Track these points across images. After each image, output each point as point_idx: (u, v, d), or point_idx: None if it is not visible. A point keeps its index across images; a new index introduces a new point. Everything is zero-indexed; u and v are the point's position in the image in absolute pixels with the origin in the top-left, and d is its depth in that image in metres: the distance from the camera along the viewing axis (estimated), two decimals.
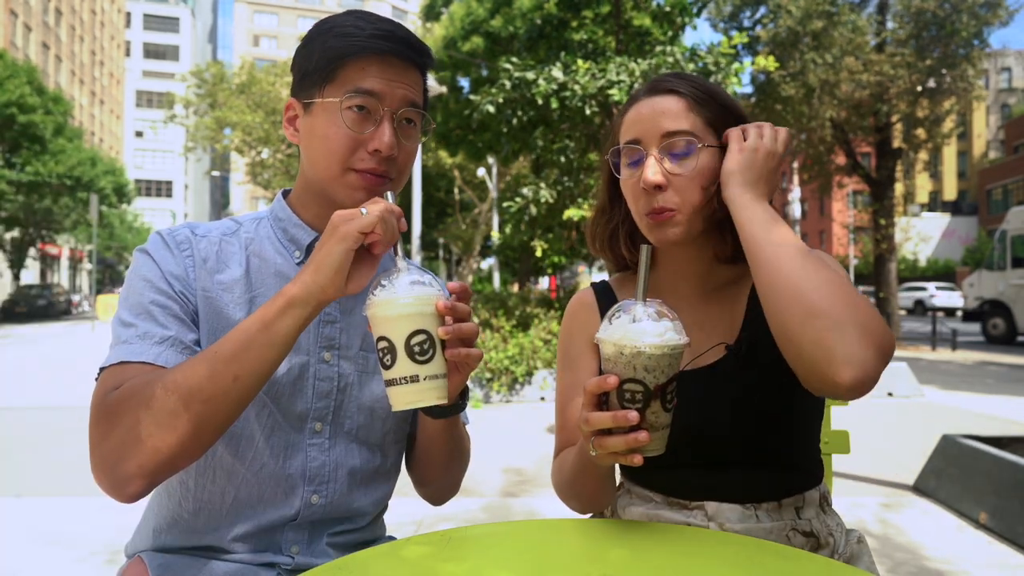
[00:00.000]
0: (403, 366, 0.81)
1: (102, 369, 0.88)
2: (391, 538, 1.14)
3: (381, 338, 0.82)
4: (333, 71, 0.93)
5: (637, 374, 0.76)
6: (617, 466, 0.85)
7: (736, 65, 8.22)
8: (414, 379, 0.81)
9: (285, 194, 1.07)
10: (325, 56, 0.94)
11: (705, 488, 1.00)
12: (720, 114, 1.01)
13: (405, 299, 0.81)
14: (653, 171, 0.97)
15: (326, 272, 0.83)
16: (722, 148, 1.00)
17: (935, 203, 49.53)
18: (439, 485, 1.15)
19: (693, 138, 0.98)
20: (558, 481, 1.05)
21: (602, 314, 1.13)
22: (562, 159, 8.37)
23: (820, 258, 0.90)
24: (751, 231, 0.90)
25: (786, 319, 0.83)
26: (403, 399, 0.82)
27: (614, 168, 1.05)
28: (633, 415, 0.75)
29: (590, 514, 1.09)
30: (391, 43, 0.94)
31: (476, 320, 8.11)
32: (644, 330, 0.76)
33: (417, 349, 0.81)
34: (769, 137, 0.96)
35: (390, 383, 0.83)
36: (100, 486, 0.82)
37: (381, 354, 0.83)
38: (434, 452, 1.07)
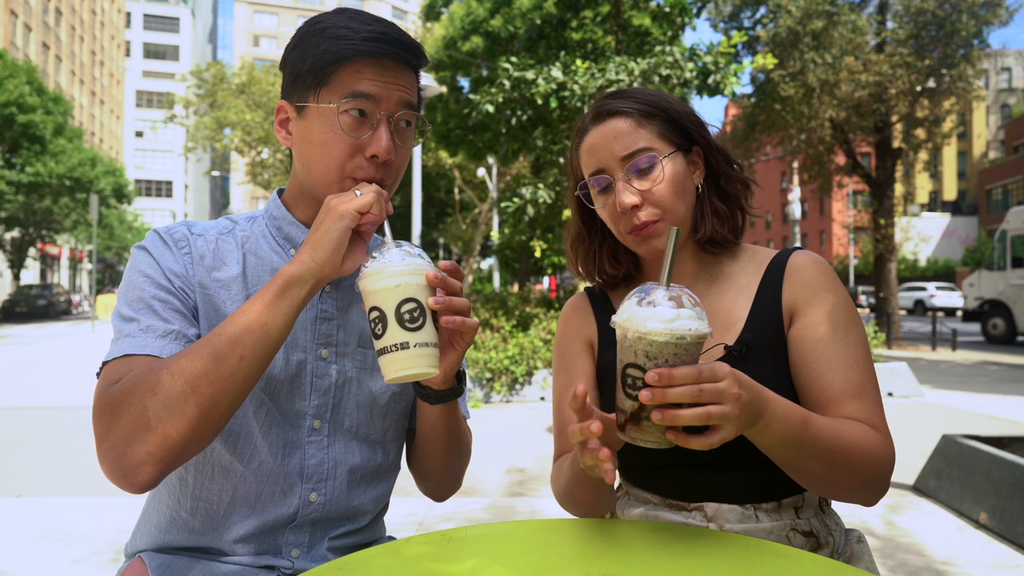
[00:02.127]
0: (393, 334, 0.82)
1: (105, 363, 0.87)
2: (391, 539, 1.14)
3: (373, 308, 0.83)
4: (327, 75, 0.92)
5: (638, 359, 0.73)
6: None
7: (735, 65, 8.22)
8: (404, 346, 0.82)
9: (280, 193, 1.07)
10: (319, 59, 0.92)
11: (704, 489, 1.00)
12: (668, 123, 1.03)
13: (395, 268, 0.82)
14: (626, 195, 0.99)
15: (324, 250, 0.84)
16: (683, 151, 1.03)
17: (935, 203, 49.51)
18: (440, 479, 1.14)
19: (652, 151, 1.00)
20: (556, 489, 1.05)
21: (596, 318, 1.14)
22: (561, 159, 8.36)
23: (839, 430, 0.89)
24: (776, 455, 0.88)
25: (812, 489, 0.94)
26: (394, 367, 0.82)
27: (586, 200, 1.07)
28: (596, 426, 0.74)
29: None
30: (386, 45, 0.92)
31: (476, 319, 8.05)
32: (651, 315, 0.72)
33: (407, 317, 0.82)
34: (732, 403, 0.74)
35: (381, 352, 0.83)
36: (109, 478, 0.82)
37: (373, 324, 0.83)
38: (433, 443, 1.06)
